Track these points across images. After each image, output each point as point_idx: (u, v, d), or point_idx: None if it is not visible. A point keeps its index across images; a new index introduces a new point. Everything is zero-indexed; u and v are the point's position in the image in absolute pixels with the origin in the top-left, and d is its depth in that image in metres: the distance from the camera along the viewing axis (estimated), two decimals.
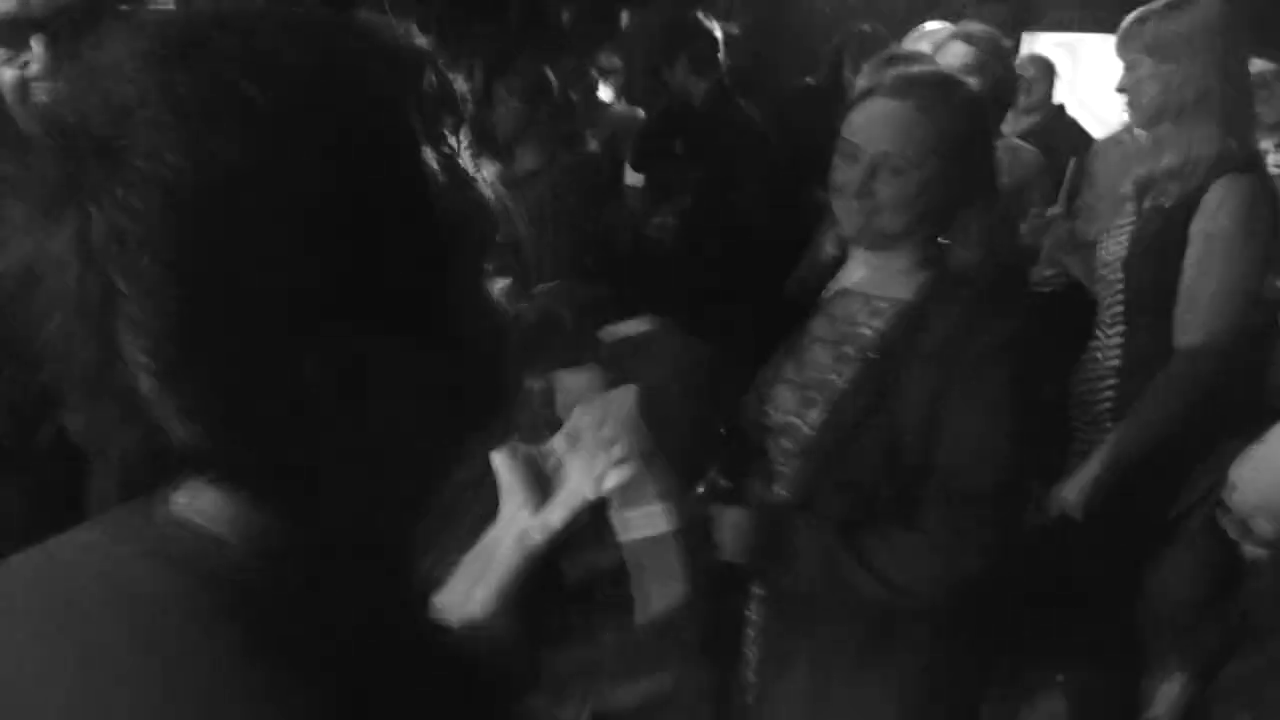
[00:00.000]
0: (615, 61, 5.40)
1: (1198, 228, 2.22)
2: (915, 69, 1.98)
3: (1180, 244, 2.24)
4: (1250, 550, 1.43)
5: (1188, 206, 2.24)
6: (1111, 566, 2.41)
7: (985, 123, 1.75)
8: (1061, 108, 3.90)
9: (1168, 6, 2.30)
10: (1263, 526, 1.37)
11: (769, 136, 3.95)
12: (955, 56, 2.69)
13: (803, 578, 1.59)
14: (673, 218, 3.96)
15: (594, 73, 5.07)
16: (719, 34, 4.06)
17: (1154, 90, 2.30)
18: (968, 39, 2.74)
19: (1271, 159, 3.16)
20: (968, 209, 1.64)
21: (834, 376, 1.64)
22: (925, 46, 2.88)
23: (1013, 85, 2.88)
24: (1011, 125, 3.20)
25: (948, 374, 1.55)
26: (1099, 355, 2.42)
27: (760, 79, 4.88)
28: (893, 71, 1.76)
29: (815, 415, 1.64)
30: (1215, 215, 2.20)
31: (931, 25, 3.16)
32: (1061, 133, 3.57)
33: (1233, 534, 1.46)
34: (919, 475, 1.56)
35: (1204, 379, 2.24)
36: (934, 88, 1.65)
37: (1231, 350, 2.23)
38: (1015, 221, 2.63)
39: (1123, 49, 2.36)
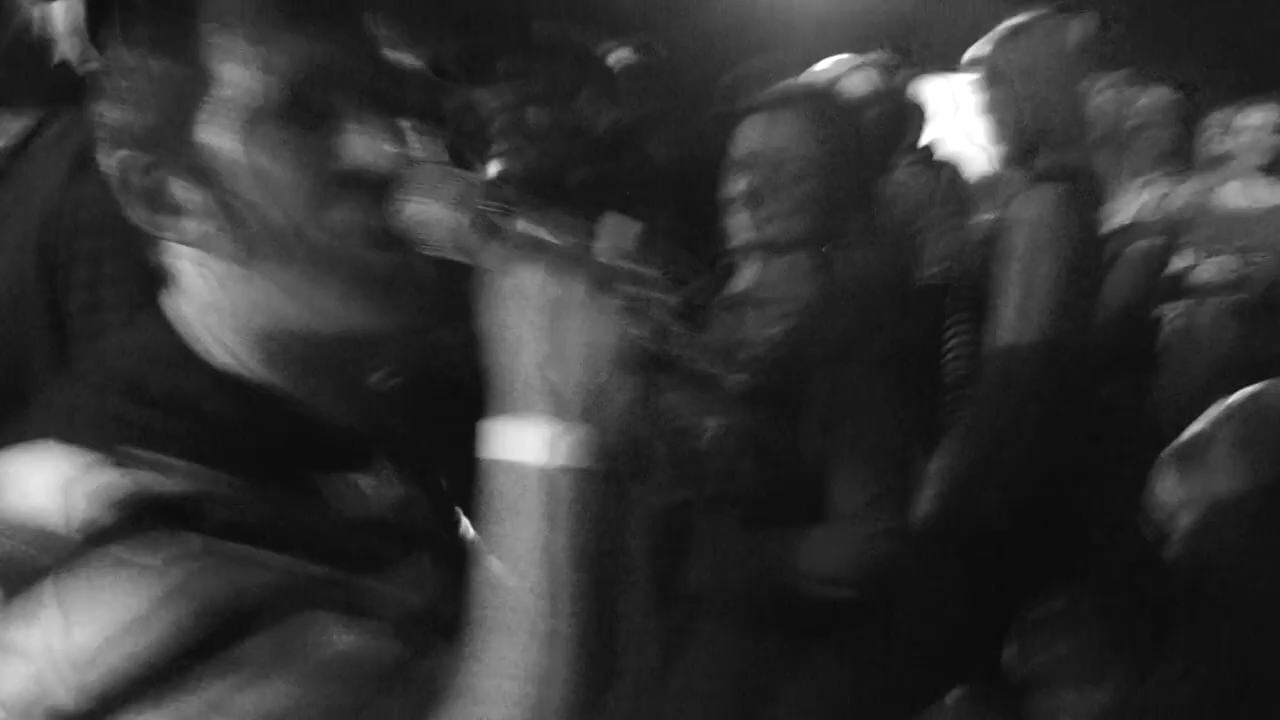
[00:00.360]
0: (494, 101, 5.26)
1: (1001, 241, 2.24)
2: (792, 83, 2.10)
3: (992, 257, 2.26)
4: (1169, 553, 1.41)
5: (998, 222, 2.29)
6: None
7: (861, 127, 1.86)
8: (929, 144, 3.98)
9: (996, 37, 2.38)
10: (1185, 520, 1.35)
11: (668, 169, 3.92)
12: (856, 86, 2.71)
13: (714, 573, 1.61)
14: None
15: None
16: (621, 66, 4.03)
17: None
18: (869, 69, 2.78)
19: (1163, 186, 3.24)
20: (854, 212, 1.70)
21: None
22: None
23: (910, 116, 2.94)
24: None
25: (844, 373, 1.59)
26: (951, 365, 2.45)
27: (663, 112, 4.87)
28: (773, 87, 1.84)
29: (715, 419, 1.64)
30: (1013, 229, 2.22)
31: (835, 58, 3.18)
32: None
33: (1149, 537, 1.45)
34: (820, 471, 1.59)
35: (1012, 380, 2.19)
36: (811, 98, 1.79)
37: (1046, 358, 2.18)
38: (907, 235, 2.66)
39: (971, 76, 2.43)
